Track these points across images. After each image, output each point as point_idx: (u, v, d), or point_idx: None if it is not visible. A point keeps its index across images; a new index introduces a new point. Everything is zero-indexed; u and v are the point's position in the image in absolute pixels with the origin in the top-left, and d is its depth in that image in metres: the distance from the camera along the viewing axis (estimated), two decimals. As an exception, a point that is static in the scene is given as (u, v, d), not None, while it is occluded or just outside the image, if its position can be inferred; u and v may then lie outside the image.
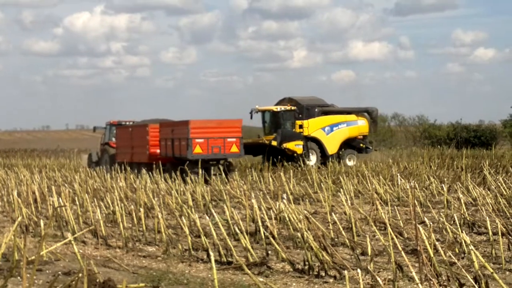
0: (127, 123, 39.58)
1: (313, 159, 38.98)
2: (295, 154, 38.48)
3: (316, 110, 40.56)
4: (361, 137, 41.36)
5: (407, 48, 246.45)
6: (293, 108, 39.86)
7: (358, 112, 41.71)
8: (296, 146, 38.74)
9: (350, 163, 39.02)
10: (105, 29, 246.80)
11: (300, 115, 39.86)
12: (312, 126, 39.84)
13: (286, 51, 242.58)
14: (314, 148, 39.51)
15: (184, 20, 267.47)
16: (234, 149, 30.53)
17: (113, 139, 38.91)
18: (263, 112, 40.50)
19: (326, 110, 41.13)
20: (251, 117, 40.31)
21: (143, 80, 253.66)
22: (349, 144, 41.05)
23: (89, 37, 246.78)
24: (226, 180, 27.22)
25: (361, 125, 41.29)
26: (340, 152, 40.30)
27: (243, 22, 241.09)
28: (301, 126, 39.53)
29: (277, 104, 40.93)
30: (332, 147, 39.94)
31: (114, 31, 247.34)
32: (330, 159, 37.96)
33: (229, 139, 30.45)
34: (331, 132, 40.24)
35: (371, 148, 42.43)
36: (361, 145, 41.25)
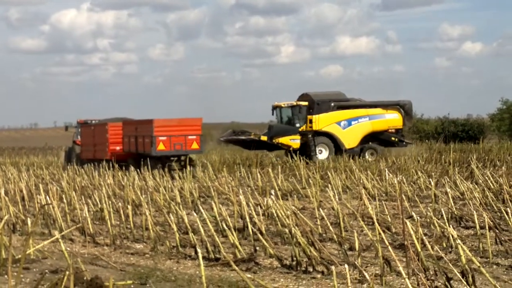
0: (94, 121, 40.76)
1: (324, 154, 38.95)
2: (290, 149, 38.66)
3: (332, 104, 40.31)
4: (393, 130, 40.88)
5: (394, 42, 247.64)
6: (300, 103, 39.93)
7: (387, 105, 41.19)
8: (291, 141, 38.84)
9: (369, 157, 38.61)
10: (92, 26, 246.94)
11: (311, 110, 39.85)
12: (323, 121, 39.73)
13: (274, 47, 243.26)
14: (326, 142, 39.47)
15: (171, 16, 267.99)
16: (195, 145, 32.64)
17: (79, 137, 40.58)
18: (278, 108, 40.82)
19: (344, 105, 40.79)
20: (273, 113, 41.21)
21: (131, 77, 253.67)
22: (377, 138, 40.74)
23: (76, 34, 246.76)
24: (192, 175, 28.05)
25: (390, 119, 40.78)
26: (365, 146, 40.10)
27: (230, 18, 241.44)
28: (310, 121, 39.54)
29: (298, 100, 41.01)
30: (350, 141, 39.78)
31: (101, 28, 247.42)
32: (346, 153, 37.98)
33: (189, 137, 32.57)
34: (349, 126, 40.04)
35: (404, 141, 41.64)
36: (392, 138, 40.78)
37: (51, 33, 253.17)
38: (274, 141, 38.85)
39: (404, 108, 41.10)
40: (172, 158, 33.37)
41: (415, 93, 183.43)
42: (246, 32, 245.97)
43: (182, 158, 33.47)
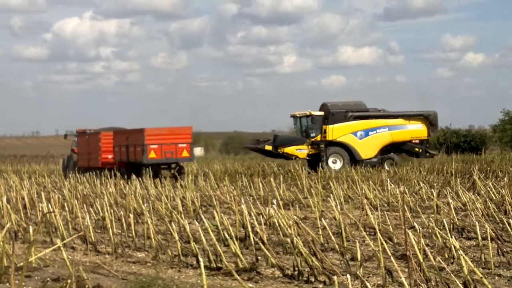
0: (92, 131, 41.20)
1: (339, 164, 38.79)
2: (296, 159, 38.74)
3: (348, 114, 40.04)
4: (417, 141, 40.56)
5: (396, 53, 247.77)
6: (313, 113, 39.91)
7: (411, 116, 40.85)
8: (297, 151, 38.82)
9: (388, 168, 38.27)
10: (94, 35, 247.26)
11: (327, 120, 39.75)
12: (338, 131, 39.52)
13: (276, 56, 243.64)
14: (340, 152, 39.21)
15: (173, 25, 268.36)
16: (185, 153, 33.34)
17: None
18: (297, 118, 40.99)
19: (362, 115, 40.51)
20: (294, 123, 41.46)
21: (133, 86, 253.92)
22: (400, 149, 40.53)
23: (78, 42, 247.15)
24: (180, 182, 28.29)
25: (413, 129, 40.41)
26: (385, 157, 39.92)
27: (233, 27, 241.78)
28: (325, 131, 39.44)
29: (319, 109, 41.00)
30: (367, 152, 39.53)
31: (104, 37, 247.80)
32: (363, 163, 37.89)
33: (180, 145, 33.26)
34: (366, 137, 39.79)
35: (428, 152, 41.30)
36: (416, 149, 40.50)
37: (54, 41, 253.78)
38: (279, 150, 38.84)
39: (428, 119, 40.62)
40: (162, 166, 34.15)
41: (417, 103, 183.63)
42: (249, 41, 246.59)
43: (173, 166, 34.28)
